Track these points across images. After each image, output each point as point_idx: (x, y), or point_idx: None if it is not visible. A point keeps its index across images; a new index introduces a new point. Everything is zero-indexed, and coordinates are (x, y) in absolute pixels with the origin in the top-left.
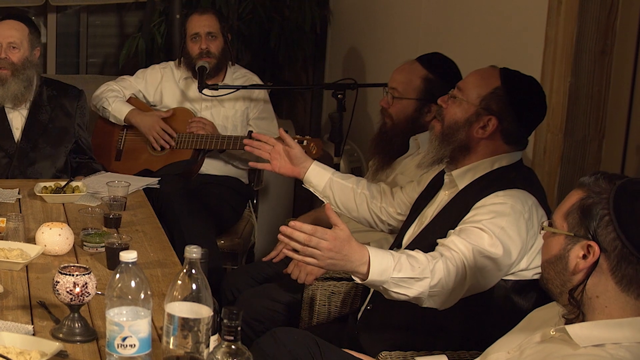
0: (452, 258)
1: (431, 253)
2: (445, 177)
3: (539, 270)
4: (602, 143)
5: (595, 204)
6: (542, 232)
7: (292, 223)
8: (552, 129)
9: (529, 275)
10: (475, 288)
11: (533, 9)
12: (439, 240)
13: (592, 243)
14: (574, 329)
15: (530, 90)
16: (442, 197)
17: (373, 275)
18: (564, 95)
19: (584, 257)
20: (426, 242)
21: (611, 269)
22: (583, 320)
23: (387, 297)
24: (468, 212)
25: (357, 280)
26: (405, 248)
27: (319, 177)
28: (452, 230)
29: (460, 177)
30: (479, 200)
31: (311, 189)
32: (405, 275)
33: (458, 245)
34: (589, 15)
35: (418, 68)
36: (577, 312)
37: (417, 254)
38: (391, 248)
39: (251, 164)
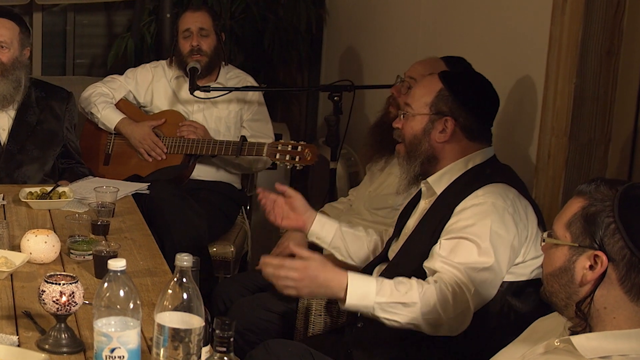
0: (445, 283)
1: (420, 280)
2: (422, 186)
3: (535, 267)
4: (609, 147)
5: (599, 211)
6: (543, 243)
7: (262, 260)
8: (557, 132)
9: (526, 273)
10: (482, 302)
11: (537, 8)
12: (426, 266)
13: (599, 253)
14: (579, 340)
15: (472, 82)
16: (423, 206)
17: (352, 300)
18: (568, 97)
19: (591, 267)
20: (411, 253)
21: (620, 279)
22: (589, 332)
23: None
24: (450, 217)
25: (341, 306)
26: (391, 260)
27: (326, 227)
28: (437, 248)
29: (437, 183)
30: (459, 203)
31: (317, 242)
32: (391, 300)
33: (448, 270)
34: (595, 15)
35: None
36: (584, 324)
37: (406, 280)
38: (376, 262)
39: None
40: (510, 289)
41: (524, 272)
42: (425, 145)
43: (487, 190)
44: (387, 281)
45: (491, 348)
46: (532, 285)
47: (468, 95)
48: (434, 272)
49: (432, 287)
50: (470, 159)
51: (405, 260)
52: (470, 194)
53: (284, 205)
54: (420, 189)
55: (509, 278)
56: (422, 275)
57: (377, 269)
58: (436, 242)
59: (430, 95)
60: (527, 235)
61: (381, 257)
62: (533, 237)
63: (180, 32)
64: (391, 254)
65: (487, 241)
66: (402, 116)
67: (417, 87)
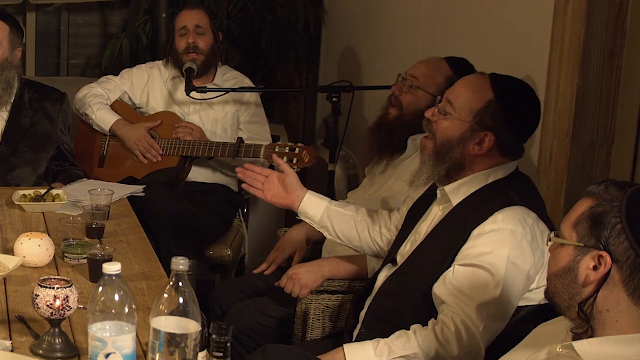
0: (447, 323)
1: (418, 327)
2: (438, 191)
3: None
4: (611, 148)
5: (606, 212)
6: (549, 243)
7: None
8: (559, 133)
9: (537, 299)
10: (492, 336)
11: (538, 7)
12: (435, 292)
13: (604, 253)
14: (581, 346)
15: (524, 98)
16: (436, 212)
17: None
18: (570, 98)
19: (595, 268)
20: (421, 263)
21: (623, 281)
22: (592, 336)
23: None
24: (465, 236)
25: None
26: (400, 266)
27: (315, 206)
28: (449, 275)
29: (454, 192)
30: (476, 225)
31: (307, 220)
32: (391, 357)
33: (456, 306)
34: (598, 14)
35: (445, 66)
36: (585, 326)
37: (402, 332)
38: (384, 264)
39: (244, 186)
40: (519, 313)
41: (535, 297)
42: (457, 153)
43: (507, 215)
44: (382, 340)
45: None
46: (541, 312)
47: (516, 113)
48: (441, 302)
49: (430, 334)
50: (492, 172)
51: (414, 269)
52: (488, 215)
53: (276, 182)
54: (432, 189)
55: (519, 303)
56: (428, 288)
57: (385, 273)
58: (449, 262)
59: (478, 104)
60: (543, 262)
61: (389, 260)
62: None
63: (177, 30)
64: (399, 258)
65: (502, 272)
66: (437, 109)
67: (465, 87)
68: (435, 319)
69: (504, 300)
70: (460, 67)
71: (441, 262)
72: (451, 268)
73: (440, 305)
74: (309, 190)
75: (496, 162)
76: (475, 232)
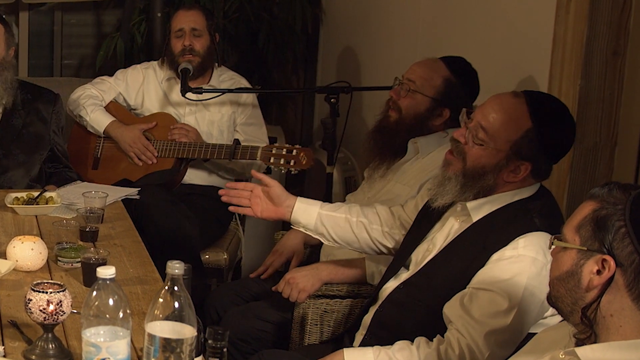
0: (453, 345)
1: (422, 340)
2: (458, 204)
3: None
4: (615, 150)
5: (610, 215)
6: (552, 247)
7: None
8: None
9: (550, 324)
10: (504, 358)
11: (540, 7)
12: (445, 312)
13: (607, 257)
14: (584, 352)
15: (563, 125)
16: (453, 225)
17: None
18: (573, 99)
19: (598, 272)
20: (434, 279)
21: (627, 285)
22: (595, 341)
23: None
24: (484, 257)
25: None
26: (413, 277)
27: (306, 214)
28: (464, 297)
29: (476, 210)
30: (497, 249)
31: (302, 229)
32: None
33: (465, 329)
34: (601, 14)
35: (442, 67)
36: (589, 331)
37: (406, 345)
38: (394, 267)
39: (231, 208)
40: (528, 339)
41: (549, 323)
42: (490, 180)
43: (529, 242)
44: (384, 349)
45: None
46: None
47: (555, 140)
48: (450, 322)
49: (433, 353)
50: (519, 192)
51: (428, 283)
52: (510, 240)
53: (262, 195)
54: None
55: (531, 330)
56: (439, 304)
57: (395, 280)
58: (465, 283)
59: (516, 134)
60: None
61: (399, 265)
62: None
63: (173, 32)
64: (412, 267)
65: (517, 300)
66: (468, 133)
67: (500, 112)
68: (442, 335)
69: (515, 328)
70: (457, 67)
71: (456, 281)
72: (466, 290)
73: (448, 324)
74: (298, 198)
75: (525, 184)
76: (495, 256)
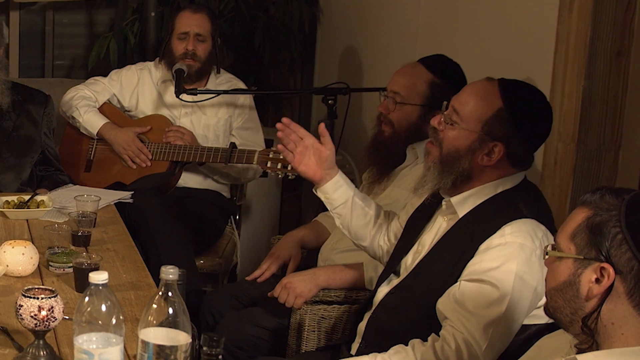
0: (448, 341)
1: (417, 342)
2: (444, 202)
3: None
4: (619, 153)
5: (605, 221)
6: (546, 257)
7: None
8: (564, 137)
9: (544, 316)
10: (496, 355)
11: (542, 6)
12: (439, 308)
13: (606, 265)
14: (586, 359)
15: (536, 106)
16: (441, 224)
17: None
18: (576, 101)
19: (597, 281)
20: (426, 278)
21: (628, 292)
22: (597, 349)
23: None
24: (472, 250)
25: None
26: (404, 279)
27: (340, 191)
28: (455, 290)
29: (461, 205)
30: (484, 239)
31: (323, 199)
32: None
33: (460, 323)
34: (604, 13)
35: (423, 71)
36: (590, 341)
37: (401, 348)
38: (386, 274)
39: (279, 146)
40: (526, 331)
41: (542, 314)
42: (465, 164)
43: (516, 229)
44: (379, 355)
45: None
46: (549, 331)
47: (527, 122)
48: (444, 317)
49: (429, 350)
50: (502, 183)
51: (419, 283)
52: (497, 229)
53: (311, 149)
54: (436, 197)
55: (525, 321)
56: (433, 303)
57: (387, 285)
58: (456, 277)
59: (487, 113)
60: None
61: (390, 271)
62: None
63: (176, 33)
64: (403, 271)
65: (509, 287)
66: (443, 117)
67: (473, 94)
68: (437, 334)
69: (510, 317)
70: (438, 67)
71: (447, 277)
72: (457, 283)
73: (443, 321)
74: (340, 172)
75: (505, 173)
76: (482, 246)
